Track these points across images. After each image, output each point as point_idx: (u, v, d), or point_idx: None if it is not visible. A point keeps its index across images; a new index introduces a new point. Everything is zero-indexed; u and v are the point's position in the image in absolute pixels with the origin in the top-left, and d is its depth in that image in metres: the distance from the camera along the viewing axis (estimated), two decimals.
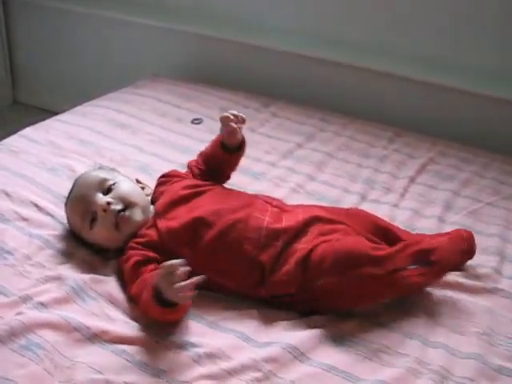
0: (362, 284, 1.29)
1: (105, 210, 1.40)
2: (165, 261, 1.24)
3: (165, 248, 1.37)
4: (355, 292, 1.30)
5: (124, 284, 1.37)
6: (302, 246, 1.35)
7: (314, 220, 1.41)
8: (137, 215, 1.44)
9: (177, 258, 1.33)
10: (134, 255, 1.36)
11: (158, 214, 1.45)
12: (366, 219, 1.49)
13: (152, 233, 1.41)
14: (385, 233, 1.47)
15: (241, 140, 1.57)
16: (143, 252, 1.36)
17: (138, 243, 1.39)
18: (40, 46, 3.14)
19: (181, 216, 1.42)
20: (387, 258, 1.30)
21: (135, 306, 1.31)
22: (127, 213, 1.42)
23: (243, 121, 1.54)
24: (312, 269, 1.30)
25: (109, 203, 1.40)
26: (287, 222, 1.40)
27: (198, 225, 1.39)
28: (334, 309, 1.33)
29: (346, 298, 1.31)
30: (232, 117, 1.51)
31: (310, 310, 1.33)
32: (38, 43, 3.15)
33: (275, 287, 1.33)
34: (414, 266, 1.32)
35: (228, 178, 1.64)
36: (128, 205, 1.43)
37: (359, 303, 1.34)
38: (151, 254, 1.36)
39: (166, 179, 1.59)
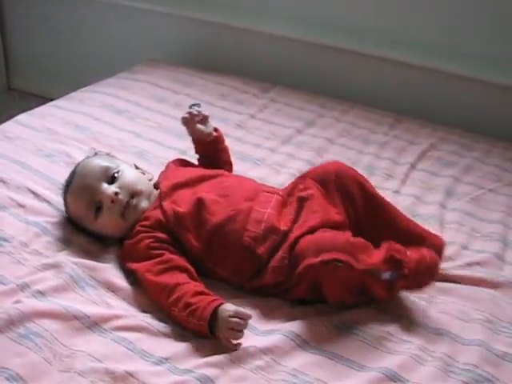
0: (336, 271, 1.23)
1: (112, 201, 1.38)
2: (172, 240, 1.32)
3: (170, 229, 1.37)
4: (330, 280, 1.25)
5: (127, 268, 1.36)
6: (292, 234, 1.33)
7: (306, 200, 1.40)
8: (143, 203, 1.43)
9: (180, 241, 1.35)
10: (145, 238, 1.35)
11: (163, 196, 1.43)
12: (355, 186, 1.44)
13: (157, 214, 1.39)
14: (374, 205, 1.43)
15: (210, 134, 1.58)
16: (153, 234, 1.35)
17: (144, 226, 1.38)
18: (35, 31, 3.10)
19: (185, 199, 1.40)
20: (364, 249, 1.27)
21: (145, 287, 1.31)
22: (134, 201, 1.41)
23: (203, 117, 1.55)
24: (296, 255, 1.28)
25: (116, 193, 1.39)
26: (286, 215, 1.38)
27: (201, 209, 1.37)
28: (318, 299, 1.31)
29: (327, 286, 1.27)
30: (188, 116, 1.53)
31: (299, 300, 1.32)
32: (32, 28, 3.10)
33: (267, 275, 1.31)
34: (388, 274, 1.25)
35: (227, 164, 1.63)
36: (134, 193, 1.42)
37: (335, 294, 1.29)
38: (160, 234, 1.35)
39: (174, 165, 1.59)
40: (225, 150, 1.64)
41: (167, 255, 1.32)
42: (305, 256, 1.25)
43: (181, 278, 1.28)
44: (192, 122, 1.54)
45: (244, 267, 1.33)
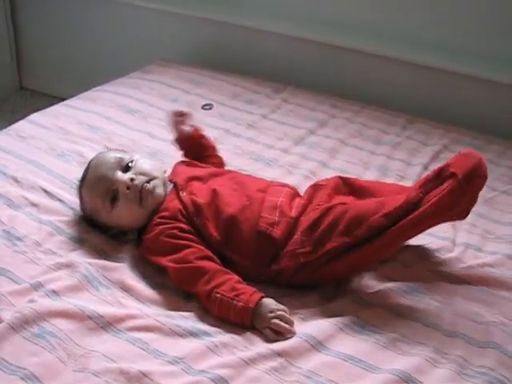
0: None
1: (128, 188, 1.38)
2: (192, 230, 1.33)
3: (191, 219, 1.38)
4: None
5: (151, 262, 1.37)
6: (308, 216, 1.37)
7: (317, 189, 1.45)
8: (159, 188, 1.43)
9: (200, 231, 1.37)
10: (167, 229, 1.35)
11: (179, 188, 1.44)
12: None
13: (175, 204, 1.40)
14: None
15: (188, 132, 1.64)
16: (175, 225, 1.36)
17: (163, 217, 1.38)
18: (46, 30, 3.11)
19: (202, 191, 1.42)
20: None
21: (176, 274, 1.33)
22: (150, 185, 1.41)
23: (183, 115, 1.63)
24: (323, 230, 1.32)
25: (132, 179, 1.39)
26: (298, 201, 1.44)
27: (217, 200, 1.39)
28: (338, 276, 1.36)
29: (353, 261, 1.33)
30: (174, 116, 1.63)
31: (312, 284, 1.36)
32: (44, 28, 3.11)
33: (284, 260, 1.33)
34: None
35: (212, 148, 1.69)
36: (150, 179, 1.42)
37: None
38: (182, 225, 1.36)
39: (182, 164, 1.61)
40: (204, 137, 1.69)
41: (195, 245, 1.33)
42: (334, 230, 1.31)
43: (218, 266, 1.31)
44: (176, 122, 1.63)
45: (261, 252, 1.35)
